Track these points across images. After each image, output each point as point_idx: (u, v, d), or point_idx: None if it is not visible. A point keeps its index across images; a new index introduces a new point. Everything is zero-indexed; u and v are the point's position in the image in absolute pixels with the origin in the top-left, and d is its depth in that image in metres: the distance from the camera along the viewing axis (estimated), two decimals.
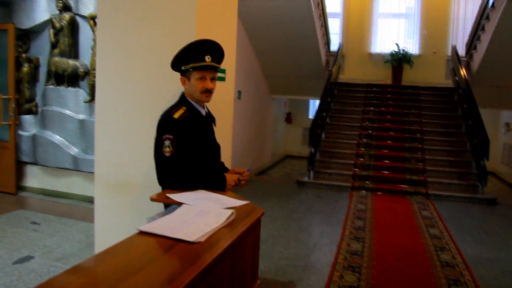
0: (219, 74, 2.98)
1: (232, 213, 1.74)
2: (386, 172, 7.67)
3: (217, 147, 2.49)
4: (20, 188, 6.11)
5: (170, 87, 2.63)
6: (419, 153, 8.02)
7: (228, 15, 3.24)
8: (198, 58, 2.18)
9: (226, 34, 3.19)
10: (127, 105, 2.86)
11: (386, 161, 7.95)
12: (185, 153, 2.15)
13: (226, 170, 2.56)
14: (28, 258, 3.84)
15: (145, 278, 1.22)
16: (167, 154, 2.13)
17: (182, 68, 2.24)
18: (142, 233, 1.57)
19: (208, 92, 2.25)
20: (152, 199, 1.95)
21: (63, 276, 1.28)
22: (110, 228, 2.82)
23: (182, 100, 2.31)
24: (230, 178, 2.30)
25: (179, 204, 1.87)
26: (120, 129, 2.83)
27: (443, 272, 3.85)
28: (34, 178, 6.10)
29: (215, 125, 2.53)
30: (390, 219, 5.70)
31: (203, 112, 2.35)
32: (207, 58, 2.19)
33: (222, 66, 3.07)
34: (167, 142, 2.14)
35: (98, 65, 2.86)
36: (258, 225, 2.00)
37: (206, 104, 2.38)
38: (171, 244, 1.47)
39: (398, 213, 6.01)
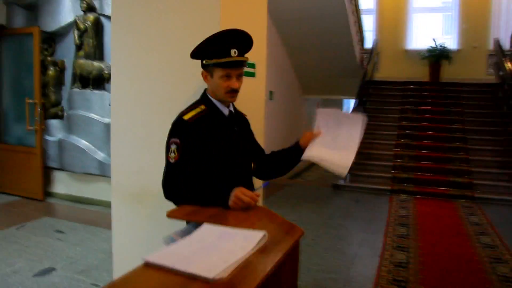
0: (247, 69, 2.68)
1: (264, 236, 1.37)
2: (427, 174, 7.20)
3: (245, 149, 2.08)
4: (47, 194, 5.98)
5: (193, 85, 2.33)
6: (462, 154, 7.52)
7: (257, 2, 2.91)
8: (222, 52, 1.84)
9: (255, 23, 2.85)
10: (145, 107, 2.53)
11: (427, 163, 7.48)
12: (189, 160, 1.83)
13: (280, 156, 2.21)
14: (49, 270, 3.63)
15: None
16: (171, 161, 1.84)
17: (204, 62, 1.92)
18: (148, 264, 1.21)
19: (234, 92, 1.92)
20: (169, 216, 1.64)
21: None
22: (128, 241, 2.56)
23: (203, 98, 2.00)
24: (240, 193, 1.74)
25: (199, 221, 1.56)
26: (138, 133, 2.52)
27: None
28: (61, 184, 5.96)
29: (248, 124, 2.20)
30: (435, 225, 5.26)
31: (226, 112, 2.00)
32: (233, 52, 1.85)
33: (252, 60, 2.76)
34: (173, 147, 1.85)
35: (113, 62, 2.58)
36: (296, 250, 1.59)
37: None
38: (183, 282, 1.11)
39: (444, 219, 5.56)
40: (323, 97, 11.80)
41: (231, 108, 2.04)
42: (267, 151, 2.30)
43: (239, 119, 2.12)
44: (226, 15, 2.36)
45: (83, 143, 5.54)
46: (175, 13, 2.47)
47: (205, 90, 2.02)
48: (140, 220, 2.50)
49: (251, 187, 2.04)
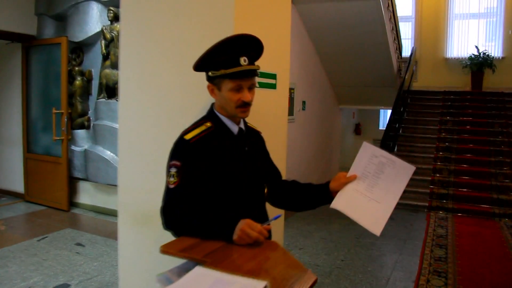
0: (268, 80, 2.46)
1: (266, 287, 1.10)
2: (468, 190, 6.74)
3: (258, 173, 1.80)
4: (72, 204, 5.94)
5: (207, 99, 2.13)
6: (507, 169, 7.01)
7: (278, 3, 2.65)
8: (231, 61, 1.60)
9: (277, 28, 2.61)
10: (154, 123, 2.35)
11: (468, 178, 7.01)
12: (191, 186, 1.61)
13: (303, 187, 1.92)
14: (64, 287, 3.51)
15: None
16: (171, 186, 1.61)
17: (210, 74, 1.67)
18: None
19: (246, 105, 1.66)
20: (163, 251, 1.41)
21: None
22: (135, 267, 2.36)
23: (209, 114, 1.77)
24: (247, 227, 1.46)
25: (196, 258, 1.33)
26: (146, 152, 2.29)
27: None
28: (87, 195, 5.91)
29: (262, 142, 1.94)
30: (477, 248, 4.85)
31: (235, 130, 1.75)
32: (243, 61, 1.60)
33: (273, 70, 2.54)
34: (172, 170, 1.62)
35: (121, 70, 2.40)
36: None
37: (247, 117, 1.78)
38: None
39: (486, 241, 5.13)
40: (359, 107, 11.45)
41: (242, 125, 1.79)
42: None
43: (251, 137, 1.85)
44: (241, 23, 2.14)
45: (108, 154, 5.46)
46: (187, 21, 2.27)
47: (212, 105, 1.79)
48: (146, 244, 2.30)
49: (264, 216, 1.80)
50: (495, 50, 10.50)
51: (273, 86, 2.52)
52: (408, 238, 5.13)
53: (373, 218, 1.71)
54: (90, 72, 5.75)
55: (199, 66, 1.70)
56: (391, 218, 5.42)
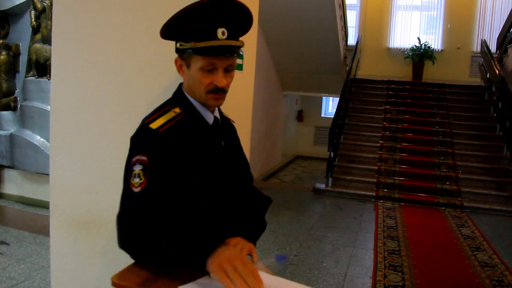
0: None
1: None
2: (413, 180, 6.79)
3: (236, 174, 1.47)
4: None
5: (166, 76, 1.77)
6: (449, 158, 7.15)
7: None
8: (204, 32, 1.24)
9: None
10: (95, 107, 1.90)
11: (413, 167, 7.07)
12: (164, 188, 1.23)
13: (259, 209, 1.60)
14: None
15: None
16: (136, 189, 1.20)
17: (178, 45, 1.31)
18: None
19: (220, 92, 1.32)
20: (116, 285, 1.06)
21: None
22: (71, 283, 1.96)
23: (177, 97, 1.39)
24: (231, 255, 1.11)
25: None
26: (86, 143, 1.87)
27: None
28: (13, 184, 5.28)
29: (236, 135, 1.59)
30: (427, 239, 4.83)
31: (210, 119, 1.41)
32: (221, 33, 1.24)
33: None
34: (137, 168, 1.22)
35: (54, 41, 1.96)
36: None
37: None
38: None
39: (434, 231, 5.14)
40: (303, 93, 11.36)
41: (217, 114, 1.43)
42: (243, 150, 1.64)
43: (227, 129, 1.52)
44: None
45: (37, 139, 4.89)
46: None
47: (180, 85, 1.42)
48: (86, 255, 1.91)
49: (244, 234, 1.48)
50: (435, 42, 10.80)
51: (239, 67, 2.19)
52: (360, 229, 5.02)
53: None
54: (17, 46, 5.09)
55: (166, 32, 1.32)
56: (340, 208, 5.29)
